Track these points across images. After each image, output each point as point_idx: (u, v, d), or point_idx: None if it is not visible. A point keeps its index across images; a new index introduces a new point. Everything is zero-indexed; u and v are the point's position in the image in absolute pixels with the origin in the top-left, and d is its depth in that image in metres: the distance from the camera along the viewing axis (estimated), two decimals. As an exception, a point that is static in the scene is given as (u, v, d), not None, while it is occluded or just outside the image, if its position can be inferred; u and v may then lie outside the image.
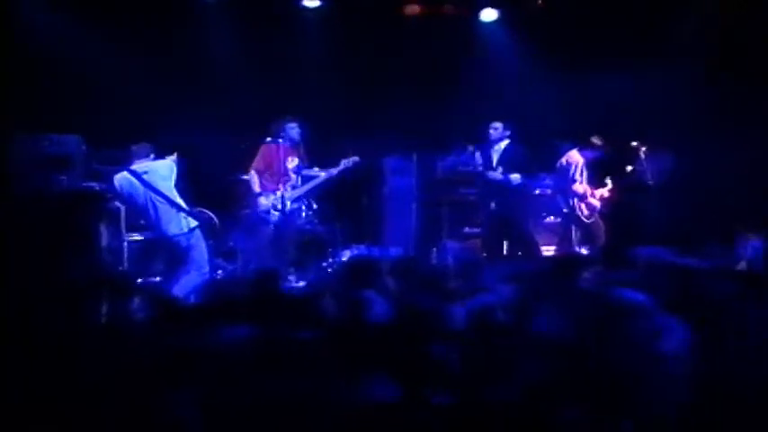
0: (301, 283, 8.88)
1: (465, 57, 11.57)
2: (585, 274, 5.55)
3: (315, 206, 9.80)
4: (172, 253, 8.63)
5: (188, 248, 8.44)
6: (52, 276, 7.19)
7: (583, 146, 10.07)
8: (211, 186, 9.75)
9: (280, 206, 9.51)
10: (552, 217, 10.79)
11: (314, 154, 9.98)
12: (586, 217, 10.09)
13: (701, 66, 10.34)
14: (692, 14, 10.74)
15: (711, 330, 4.40)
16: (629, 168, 10.19)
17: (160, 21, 10.39)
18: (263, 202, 9.64)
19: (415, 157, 11.02)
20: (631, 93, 10.55)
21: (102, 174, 9.05)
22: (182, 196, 8.55)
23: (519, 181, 9.74)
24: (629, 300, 4.34)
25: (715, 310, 4.66)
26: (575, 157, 10.08)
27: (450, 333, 4.49)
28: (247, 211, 9.75)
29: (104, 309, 5.43)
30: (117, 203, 9.09)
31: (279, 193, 9.55)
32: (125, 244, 9.29)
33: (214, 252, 9.11)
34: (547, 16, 11.14)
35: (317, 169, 9.92)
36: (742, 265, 7.65)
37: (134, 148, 8.57)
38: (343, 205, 10.43)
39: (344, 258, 9.42)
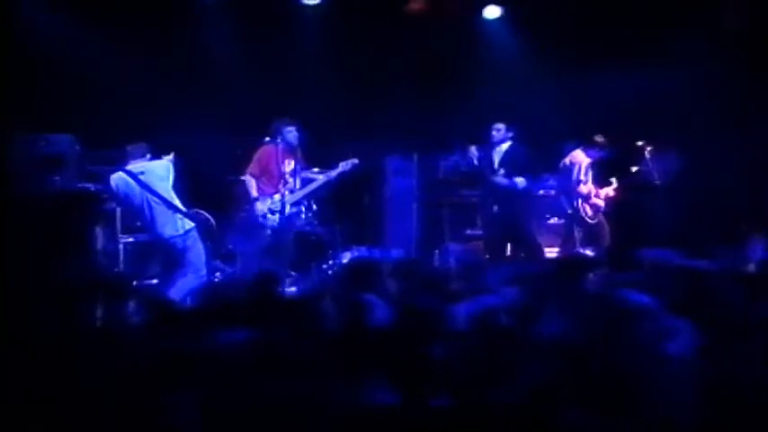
0: (293, 288, 8.84)
1: (467, 55, 11.56)
2: (590, 276, 5.56)
3: (314, 207, 9.79)
4: (168, 255, 8.64)
5: (184, 250, 8.45)
6: (46, 279, 7.20)
7: (587, 145, 10.08)
8: (209, 187, 9.74)
9: (277, 210, 9.49)
10: (556, 218, 10.78)
11: (313, 154, 9.96)
12: (590, 218, 10.10)
13: (709, 64, 10.33)
14: (699, 12, 10.73)
15: (718, 333, 4.40)
16: (635, 168, 10.18)
17: (158, 20, 10.39)
18: (260, 207, 9.62)
19: (416, 157, 11.04)
20: (637, 92, 10.53)
21: (98, 174, 9.06)
22: (179, 197, 8.55)
23: (524, 185, 9.71)
24: (635, 302, 4.34)
25: (722, 313, 4.66)
26: (578, 157, 10.10)
27: (452, 336, 4.48)
28: (245, 212, 9.73)
29: (99, 312, 5.43)
30: (112, 205, 9.10)
31: (276, 198, 9.52)
32: (120, 246, 9.31)
33: (212, 254, 9.09)
34: (552, 13, 11.12)
35: (316, 170, 9.91)
36: (751, 268, 7.64)
37: (130, 148, 8.58)
38: (344, 206, 10.41)
39: (345, 260, 9.41)
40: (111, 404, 4.00)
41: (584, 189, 10.01)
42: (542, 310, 4.80)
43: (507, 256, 9.91)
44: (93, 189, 9.09)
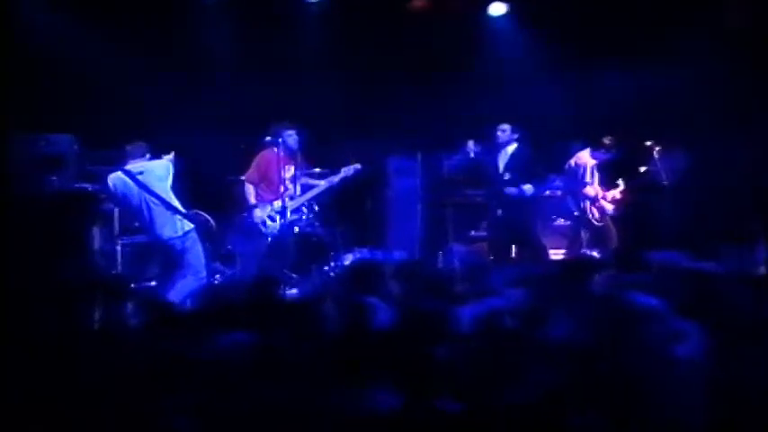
0: (294, 291, 8.85)
1: (472, 52, 11.54)
2: (597, 278, 5.57)
3: (316, 208, 9.77)
4: (167, 257, 8.65)
5: (183, 252, 8.46)
6: (43, 279, 7.20)
7: (594, 147, 10.07)
8: (209, 187, 9.75)
9: (277, 218, 9.49)
10: (562, 219, 10.78)
11: (314, 155, 9.96)
12: (597, 220, 10.10)
13: (716, 62, 10.32)
14: (705, 10, 10.73)
15: (727, 335, 4.40)
16: (643, 168, 10.18)
17: (158, 20, 10.40)
18: (259, 214, 9.61)
19: (419, 157, 11.03)
20: (644, 90, 10.53)
21: (97, 175, 9.07)
22: (178, 197, 8.56)
23: (531, 191, 9.71)
24: (642, 304, 4.34)
25: (731, 315, 4.66)
26: (584, 158, 10.09)
27: (456, 338, 4.49)
28: (246, 213, 9.72)
29: (98, 314, 5.44)
30: (110, 205, 9.11)
31: (276, 204, 9.49)
32: (118, 247, 9.31)
33: (212, 256, 9.11)
34: (557, 11, 11.11)
35: (317, 170, 9.90)
36: (761, 270, 7.65)
37: (129, 147, 8.59)
38: (346, 207, 10.41)
39: (347, 262, 9.42)
40: (110, 406, 4.01)
41: (590, 191, 10.01)
42: (548, 313, 4.80)
43: (512, 258, 9.91)
44: (90, 189, 9.10)
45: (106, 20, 10.08)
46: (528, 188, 9.66)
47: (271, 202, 9.59)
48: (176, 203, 8.50)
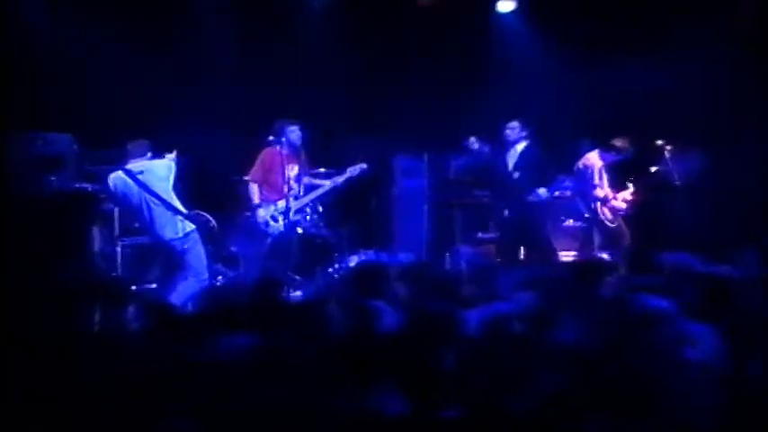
0: (298, 293, 8.84)
1: (480, 50, 11.54)
2: (608, 281, 5.57)
3: (320, 209, 9.75)
4: (168, 258, 8.64)
5: (184, 253, 8.44)
6: (42, 281, 7.22)
7: (603, 148, 10.04)
8: (211, 187, 9.75)
9: (281, 218, 9.48)
10: (571, 221, 10.75)
11: (319, 154, 9.94)
12: (610, 220, 10.07)
13: (731, 61, 10.30)
14: (721, 7, 10.71)
15: (739, 339, 4.40)
16: (654, 168, 10.15)
17: (159, 16, 10.42)
18: (262, 213, 9.59)
19: (426, 156, 11.02)
20: (656, 88, 10.50)
21: (97, 174, 9.08)
22: (180, 197, 8.54)
23: (546, 195, 9.70)
24: (652, 306, 4.34)
25: (743, 319, 4.66)
26: (592, 159, 10.06)
27: (463, 342, 4.48)
28: (249, 213, 9.71)
29: (98, 317, 5.44)
30: (110, 205, 9.11)
31: (280, 204, 9.49)
32: (118, 248, 9.31)
33: (214, 257, 9.10)
34: (567, 7, 11.09)
35: (322, 170, 9.89)
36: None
37: (130, 145, 8.55)
38: (351, 208, 10.42)
39: (352, 264, 9.38)
40: (111, 410, 4.02)
41: (600, 193, 9.99)
42: (557, 316, 4.80)
43: (521, 260, 9.89)
44: (90, 189, 9.11)
45: (107, 18, 10.10)
46: (543, 192, 9.66)
47: (275, 202, 9.58)
48: (177, 204, 8.49)
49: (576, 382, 4.09)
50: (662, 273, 5.64)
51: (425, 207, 11.06)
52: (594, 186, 9.98)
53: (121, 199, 8.61)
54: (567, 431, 3.97)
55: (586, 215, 10.16)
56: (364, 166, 9.84)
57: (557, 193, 10.54)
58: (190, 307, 7.60)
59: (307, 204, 9.64)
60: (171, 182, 8.52)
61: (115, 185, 8.49)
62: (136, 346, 4.78)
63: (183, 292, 8.16)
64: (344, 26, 11.21)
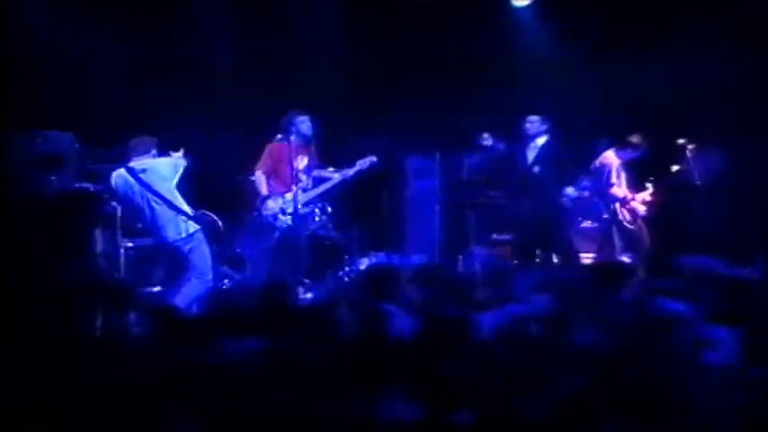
0: (309, 295, 8.85)
1: (494, 45, 11.50)
2: (628, 283, 5.57)
3: (329, 209, 9.75)
4: (172, 260, 8.65)
5: (188, 254, 8.43)
6: (43, 282, 7.24)
7: (620, 146, 10.01)
8: (216, 186, 9.76)
9: (289, 210, 9.47)
10: (589, 222, 10.72)
11: (327, 151, 9.95)
12: (629, 222, 10.04)
13: (755, 57, 10.27)
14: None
15: (760, 342, 4.40)
16: (675, 168, 10.12)
17: (161, 12, 10.44)
18: (271, 205, 9.58)
19: (438, 156, 11.01)
20: (678, 85, 10.47)
21: (99, 174, 9.09)
22: (184, 197, 8.53)
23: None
24: (671, 310, 4.35)
25: (764, 322, 4.66)
26: (609, 158, 10.03)
27: (477, 346, 4.49)
28: (255, 213, 9.70)
29: (100, 320, 5.46)
30: (112, 205, 9.12)
31: (288, 197, 9.47)
32: (121, 250, 9.32)
33: (220, 259, 9.10)
34: (584, 0, 11.05)
35: (331, 169, 9.89)
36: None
37: (133, 142, 8.55)
38: (361, 208, 10.42)
39: (362, 267, 9.40)
40: (114, 412, 4.03)
41: (618, 192, 9.95)
42: (575, 319, 4.80)
43: (537, 262, 9.87)
44: (92, 189, 9.11)
45: (107, 18, 10.15)
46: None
47: (283, 195, 9.57)
48: (182, 204, 8.47)
49: (593, 384, 4.09)
50: (681, 276, 5.64)
51: (437, 208, 11.05)
52: (612, 185, 9.95)
53: (123, 198, 8.62)
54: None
55: (605, 216, 10.13)
56: (374, 158, 9.82)
57: (576, 193, 10.54)
58: (194, 309, 7.61)
59: (316, 202, 9.64)
60: (175, 181, 8.51)
61: (116, 184, 8.50)
62: (139, 349, 4.79)
63: (187, 294, 8.17)
64: (354, 22, 11.20)
